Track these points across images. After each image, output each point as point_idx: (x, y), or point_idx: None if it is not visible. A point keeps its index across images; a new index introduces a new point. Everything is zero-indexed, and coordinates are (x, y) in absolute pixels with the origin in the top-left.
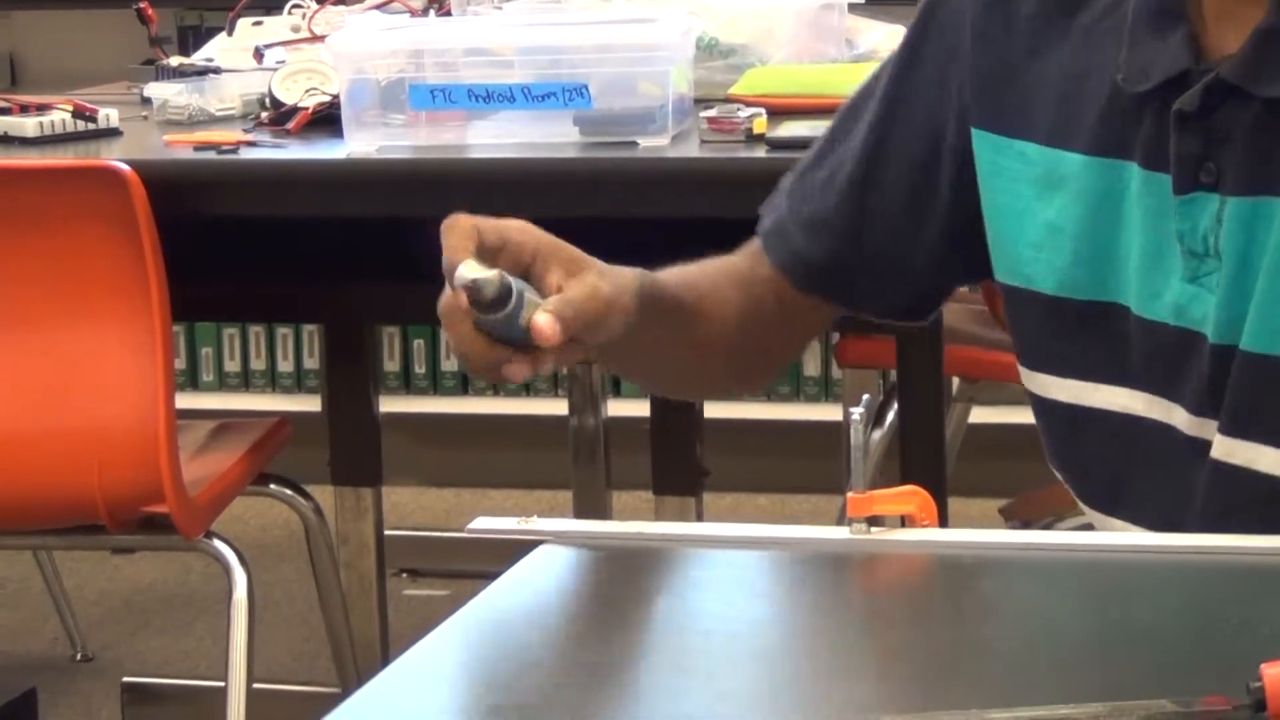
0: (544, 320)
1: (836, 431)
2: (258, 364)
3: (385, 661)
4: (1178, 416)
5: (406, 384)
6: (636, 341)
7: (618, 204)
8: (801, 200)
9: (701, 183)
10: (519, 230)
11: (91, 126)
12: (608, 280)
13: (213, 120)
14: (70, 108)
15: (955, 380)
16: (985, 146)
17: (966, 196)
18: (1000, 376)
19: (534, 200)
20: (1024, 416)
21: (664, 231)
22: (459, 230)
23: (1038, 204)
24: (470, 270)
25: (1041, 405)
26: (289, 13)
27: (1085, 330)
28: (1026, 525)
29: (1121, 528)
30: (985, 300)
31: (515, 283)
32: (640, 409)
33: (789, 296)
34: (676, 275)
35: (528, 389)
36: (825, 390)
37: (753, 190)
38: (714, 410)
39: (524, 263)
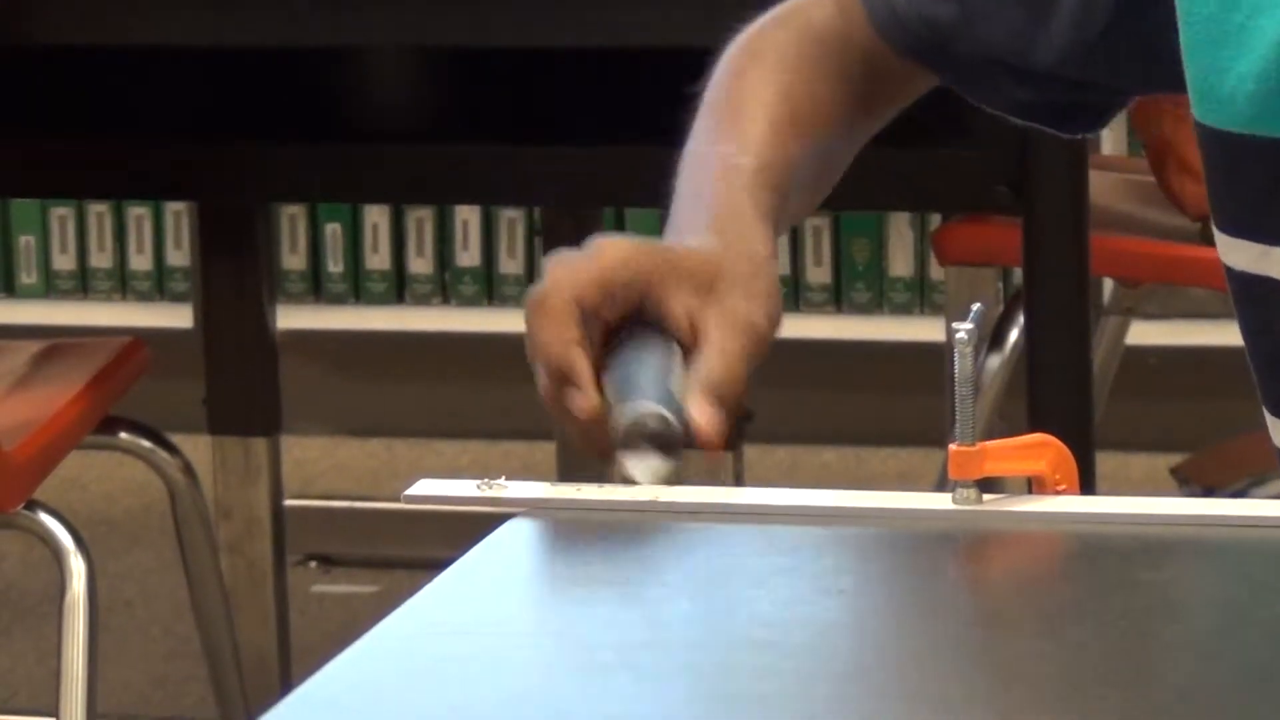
0: (703, 419)
1: (936, 357)
2: (100, 260)
3: (286, 687)
4: None
5: (315, 289)
6: None
7: (614, 30)
8: None
9: None
10: (622, 267)
11: None
12: (756, 298)
13: None
14: None
15: (1107, 283)
16: None
17: None
18: (1172, 278)
19: (503, 22)
20: (1206, 335)
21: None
22: (555, 316)
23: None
24: (633, 410)
25: (1248, 288)
26: None
27: None
28: (1210, 492)
29: None
30: (1151, 164)
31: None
32: None
33: (889, 66)
34: (784, 164)
35: (490, 295)
36: (920, 298)
37: None
38: None
39: (636, 302)
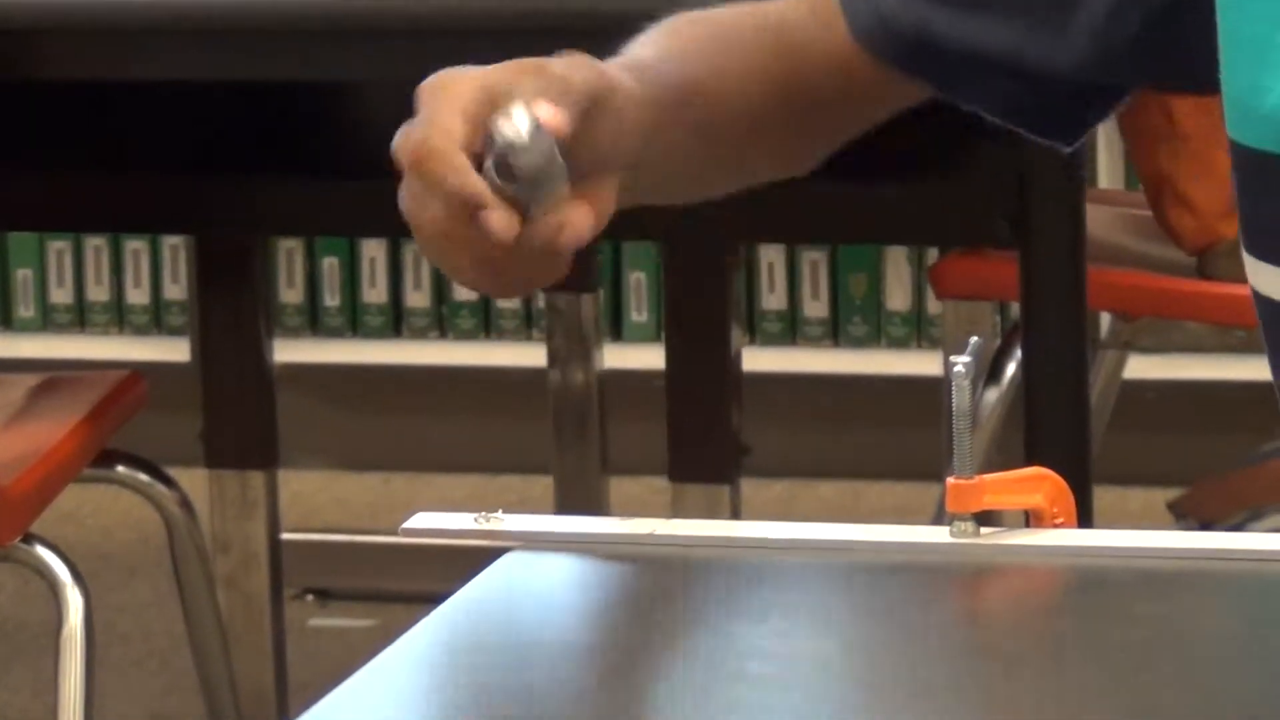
0: (575, 220)
1: (933, 391)
2: (97, 293)
3: None
4: None
5: (313, 322)
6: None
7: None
8: None
9: None
10: (480, 92)
11: None
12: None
13: None
14: None
15: (1104, 317)
16: None
17: None
18: (1169, 312)
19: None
20: (1203, 370)
21: None
22: (444, 155)
23: None
24: (510, 127)
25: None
26: None
27: None
28: (1207, 526)
29: None
30: (1149, 198)
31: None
32: (650, 358)
33: (862, 72)
34: (656, 55)
35: (488, 329)
36: (918, 332)
37: None
38: (757, 362)
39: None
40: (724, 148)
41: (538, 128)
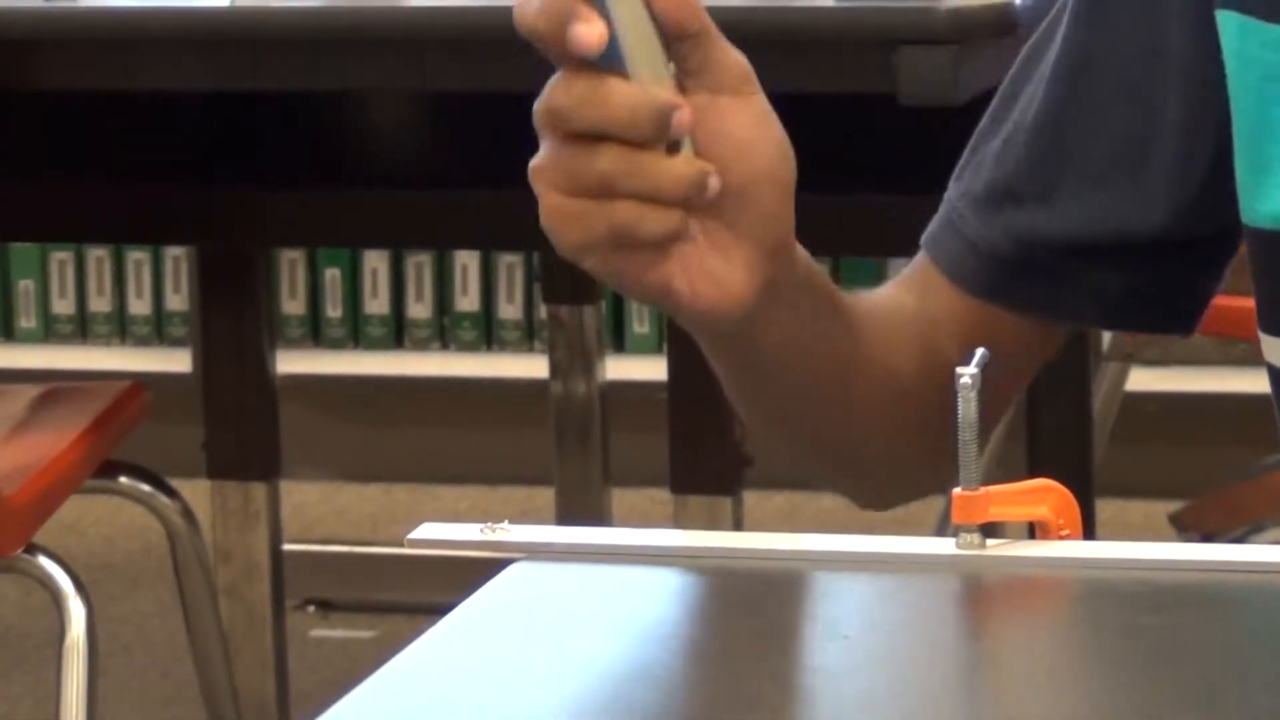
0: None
1: None
2: (99, 304)
3: None
4: None
5: (315, 334)
6: (771, 316)
7: None
8: (971, 180)
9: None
10: None
11: None
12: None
13: None
14: None
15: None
16: (1235, 32)
17: (1203, 115)
18: None
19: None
20: (1205, 382)
21: None
22: None
23: None
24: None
25: None
26: None
27: None
28: (1208, 538)
29: None
30: None
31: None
32: (652, 369)
33: (969, 317)
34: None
35: (490, 340)
36: None
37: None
38: None
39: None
40: (874, 413)
41: None
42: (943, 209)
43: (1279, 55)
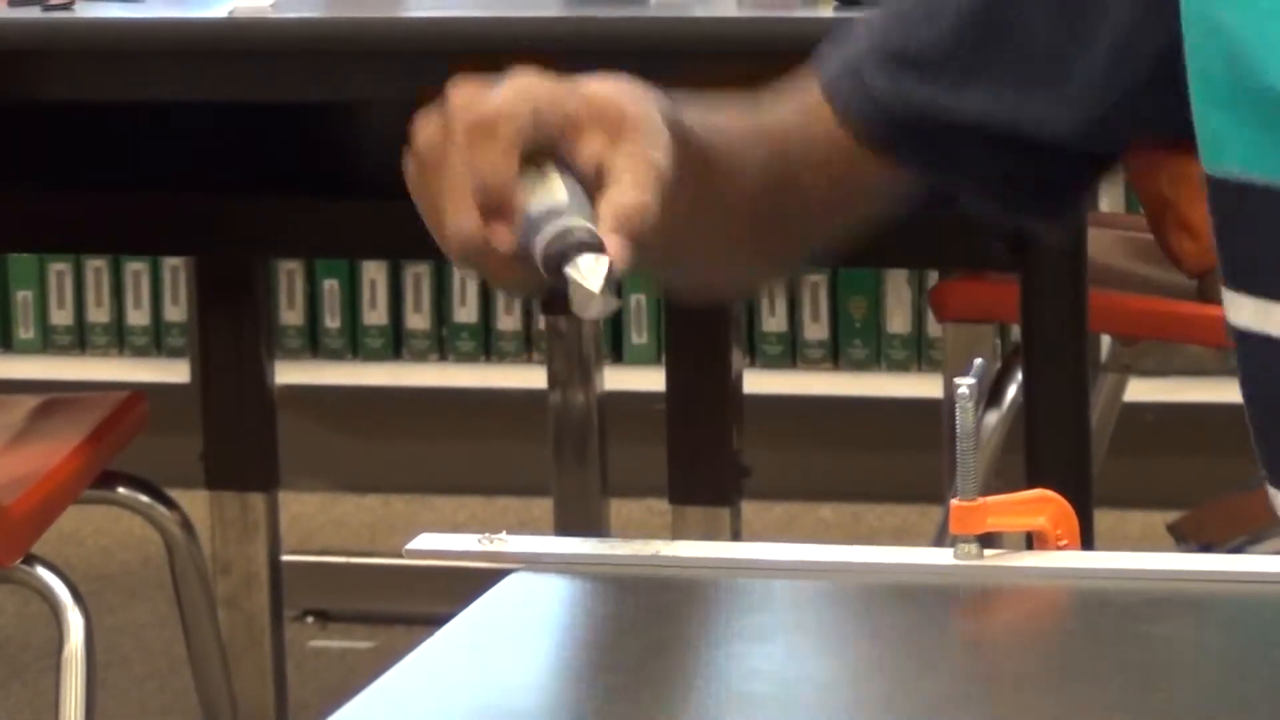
0: (614, 247)
1: (933, 414)
2: (98, 315)
3: None
4: None
5: (313, 344)
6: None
7: None
8: (887, 33)
9: (740, 54)
10: (553, 105)
11: None
12: (660, 148)
13: None
14: None
15: (1105, 340)
16: None
17: (1138, 43)
18: (1170, 335)
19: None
20: (1203, 392)
21: None
22: (504, 141)
23: None
24: (558, 226)
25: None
26: None
27: None
28: (1207, 549)
29: None
30: (1150, 221)
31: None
32: (650, 380)
33: (849, 161)
34: (696, 115)
35: (488, 351)
36: (918, 355)
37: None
38: (758, 385)
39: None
40: (731, 232)
41: (609, 275)
42: (848, 52)
43: None
